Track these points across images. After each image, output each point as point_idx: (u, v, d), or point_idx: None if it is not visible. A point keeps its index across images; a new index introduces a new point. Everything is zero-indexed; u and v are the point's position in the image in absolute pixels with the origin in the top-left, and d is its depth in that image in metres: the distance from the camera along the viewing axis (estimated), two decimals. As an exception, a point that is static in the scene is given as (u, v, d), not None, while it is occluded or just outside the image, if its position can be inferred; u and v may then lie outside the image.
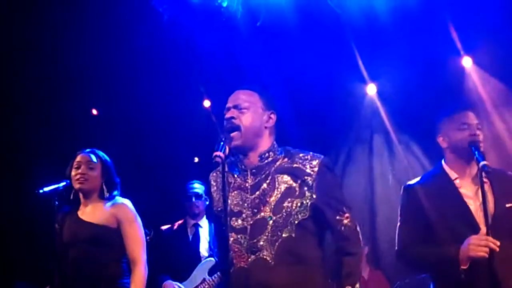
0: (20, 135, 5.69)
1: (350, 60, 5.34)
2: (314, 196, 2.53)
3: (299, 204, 2.52)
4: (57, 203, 3.39)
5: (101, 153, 3.58)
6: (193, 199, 4.83)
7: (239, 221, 2.54)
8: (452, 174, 2.95)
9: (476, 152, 2.82)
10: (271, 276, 2.45)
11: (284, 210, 2.51)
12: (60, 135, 5.62)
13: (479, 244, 2.68)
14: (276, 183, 2.56)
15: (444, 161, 3.02)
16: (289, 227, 2.49)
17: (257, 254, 2.48)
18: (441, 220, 2.87)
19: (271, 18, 4.61)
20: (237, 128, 2.57)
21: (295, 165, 2.58)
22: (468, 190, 2.90)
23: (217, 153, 2.42)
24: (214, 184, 2.72)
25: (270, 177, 2.58)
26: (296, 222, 2.50)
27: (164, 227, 4.95)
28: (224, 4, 4.34)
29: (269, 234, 2.49)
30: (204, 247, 4.79)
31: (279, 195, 2.54)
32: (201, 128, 5.75)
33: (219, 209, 2.64)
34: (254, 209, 2.54)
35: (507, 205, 2.85)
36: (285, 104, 5.16)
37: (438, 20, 4.99)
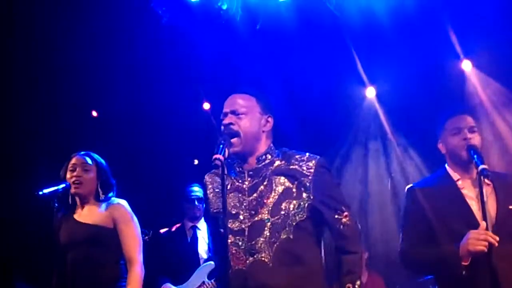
0: (19, 137, 5.69)
1: (349, 63, 5.35)
2: (311, 197, 2.53)
3: (296, 206, 2.52)
4: (56, 205, 3.40)
5: (95, 155, 3.57)
6: (196, 202, 4.85)
7: (237, 223, 2.54)
8: (455, 176, 2.97)
9: (475, 156, 2.83)
10: (269, 277, 2.45)
11: (281, 212, 2.51)
12: (59, 137, 5.62)
13: (478, 238, 2.69)
14: (273, 185, 2.57)
15: (447, 164, 3.04)
16: (287, 229, 2.50)
17: (255, 256, 2.48)
18: (443, 221, 2.88)
19: (270, 21, 4.61)
20: (235, 134, 2.57)
21: (292, 166, 2.59)
22: (470, 191, 2.92)
23: (217, 156, 2.42)
24: (210, 186, 2.72)
25: (267, 179, 2.58)
26: (294, 223, 2.50)
27: (162, 230, 4.95)
28: (224, 7, 4.34)
29: (267, 236, 2.49)
30: (203, 249, 4.81)
31: (276, 197, 2.54)
32: (200, 130, 5.75)
33: (215, 210, 2.64)
34: (251, 211, 2.54)
35: (510, 207, 2.87)
36: (284, 107, 5.18)
37: (437, 23, 5.00)
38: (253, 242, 2.50)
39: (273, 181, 2.57)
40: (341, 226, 2.54)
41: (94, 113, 6.14)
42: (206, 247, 4.77)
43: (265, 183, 2.58)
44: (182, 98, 5.82)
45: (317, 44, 5.20)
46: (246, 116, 2.60)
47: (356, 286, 2.49)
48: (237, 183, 2.62)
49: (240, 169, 2.62)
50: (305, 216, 2.52)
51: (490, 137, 4.97)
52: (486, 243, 2.67)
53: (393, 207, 6.00)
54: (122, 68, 5.39)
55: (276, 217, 2.51)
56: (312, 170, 2.55)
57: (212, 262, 4.61)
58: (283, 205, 2.52)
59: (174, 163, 6.00)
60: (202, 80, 5.64)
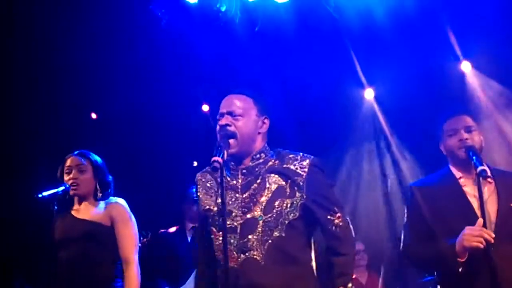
0: (19, 137, 5.69)
1: (348, 64, 5.36)
2: (304, 196, 2.54)
3: (289, 204, 2.53)
4: (56, 207, 3.40)
5: (90, 154, 3.53)
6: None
7: (229, 221, 2.53)
8: (457, 174, 2.98)
9: (474, 158, 2.84)
10: (261, 276, 2.46)
11: (274, 210, 2.52)
12: (59, 137, 5.62)
13: (473, 235, 2.68)
14: (267, 183, 2.57)
15: (450, 163, 3.06)
16: (279, 227, 2.50)
17: (247, 253, 2.48)
18: (445, 218, 2.89)
19: (269, 23, 4.62)
20: (232, 135, 2.58)
21: (285, 165, 2.60)
22: (472, 189, 2.91)
23: (216, 158, 2.44)
24: (201, 184, 2.72)
25: (261, 177, 2.59)
26: (286, 221, 2.51)
27: (161, 231, 4.96)
28: (223, 9, 4.34)
29: (260, 234, 2.50)
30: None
31: (270, 195, 2.55)
32: (200, 132, 5.76)
33: (206, 207, 2.64)
34: (244, 208, 2.55)
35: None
36: (283, 108, 5.19)
37: (436, 24, 5.01)
38: (245, 240, 2.50)
39: (267, 180, 2.58)
40: (333, 227, 2.55)
41: (94, 115, 6.15)
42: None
43: (258, 181, 2.59)
44: (182, 100, 5.83)
45: (315, 45, 5.21)
46: (243, 117, 2.61)
47: None
48: (230, 181, 2.62)
49: (234, 167, 2.63)
50: (297, 215, 2.53)
51: (493, 137, 4.97)
52: (481, 239, 2.67)
53: (390, 207, 6.02)
54: (121, 70, 5.40)
55: (269, 215, 2.51)
56: (305, 170, 2.56)
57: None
58: (276, 203, 2.53)
59: (173, 165, 6.00)
60: (201, 82, 5.65)
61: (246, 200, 2.56)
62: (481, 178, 2.77)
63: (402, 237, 3.06)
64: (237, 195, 2.58)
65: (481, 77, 5.40)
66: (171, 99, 5.76)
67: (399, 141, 5.98)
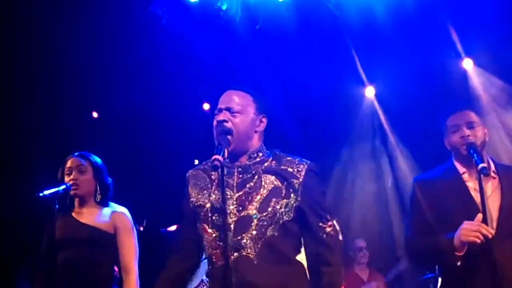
0: (19, 137, 5.69)
1: (348, 62, 5.36)
2: (299, 199, 2.53)
3: (284, 205, 2.52)
4: (57, 206, 3.39)
5: (90, 155, 3.53)
6: None
7: (222, 218, 2.51)
8: (461, 169, 2.97)
9: (475, 155, 2.83)
10: (254, 274, 2.45)
11: (269, 209, 2.50)
12: (59, 137, 5.63)
13: (471, 229, 2.68)
14: (263, 182, 2.56)
15: (453, 157, 3.05)
16: (273, 226, 2.49)
17: (240, 251, 2.47)
18: (447, 212, 2.89)
19: (270, 21, 4.62)
20: (228, 131, 2.55)
21: (282, 167, 2.59)
22: (474, 183, 2.89)
23: (216, 156, 2.42)
24: (193, 180, 2.68)
25: (257, 176, 2.57)
26: (280, 221, 2.50)
27: (162, 229, 4.96)
28: (223, 7, 4.34)
29: (254, 232, 2.48)
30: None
31: (265, 194, 2.53)
32: (200, 131, 5.75)
33: (198, 203, 2.60)
34: (239, 206, 2.53)
35: None
36: (283, 106, 5.19)
37: (437, 22, 5.00)
38: (239, 238, 2.48)
39: (263, 179, 2.56)
40: (324, 235, 2.53)
41: (95, 114, 6.15)
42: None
43: (254, 180, 2.56)
44: (182, 98, 5.83)
45: (316, 43, 5.21)
46: (241, 114, 2.58)
47: None
48: (225, 179, 2.58)
49: (230, 164, 2.60)
50: (292, 217, 2.52)
51: (495, 134, 4.97)
52: (479, 234, 2.66)
53: (392, 204, 6.03)
54: (122, 69, 5.40)
55: (264, 214, 2.50)
56: (302, 173, 2.55)
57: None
58: (271, 203, 2.51)
59: (174, 163, 5.99)
60: (202, 81, 5.64)
61: (241, 198, 2.54)
62: (482, 175, 2.77)
63: (404, 230, 3.08)
64: (232, 193, 2.56)
65: (483, 74, 5.39)
66: (171, 98, 5.76)
67: (399, 139, 5.97)
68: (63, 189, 3.36)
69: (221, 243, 2.49)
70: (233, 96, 2.63)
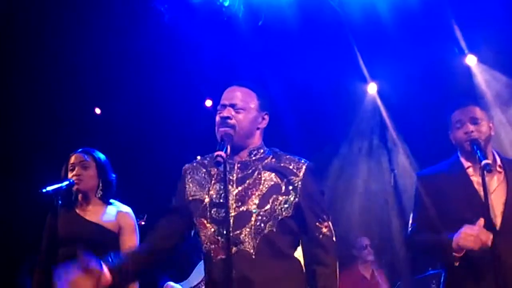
0: (21, 134, 5.70)
1: (351, 59, 5.35)
2: (298, 196, 2.54)
3: (283, 201, 2.52)
4: (60, 202, 3.39)
5: (94, 151, 3.53)
6: None
7: (222, 213, 2.51)
8: (466, 163, 2.98)
9: (478, 151, 2.83)
10: (252, 269, 2.45)
11: (268, 205, 2.51)
12: (62, 134, 5.63)
13: (471, 234, 2.67)
14: (262, 179, 2.56)
15: (459, 152, 3.05)
16: (271, 222, 2.49)
17: (238, 246, 2.47)
18: (451, 206, 2.89)
19: (272, 17, 4.61)
20: (231, 127, 2.56)
21: (282, 164, 2.60)
22: (480, 178, 2.88)
23: (219, 152, 2.43)
24: (190, 174, 2.68)
25: (256, 173, 2.58)
26: (279, 218, 2.50)
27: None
28: (226, 4, 4.34)
29: (252, 227, 2.48)
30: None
31: (264, 190, 2.54)
32: (203, 127, 5.75)
33: (195, 197, 2.60)
34: (238, 201, 2.53)
35: None
36: (285, 102, 5.19)
37: (440, 18, 4.99)
38: (237, 233, 2.48)
39: (262, 176, 2.57)
40: (320, 235, 2.54)
41: (98, 111, 6.15)
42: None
43: (254, 176, 2.57)
44: (185, 95, 5.83)
45: (318, 40, 5.20)
46: (244, 111, 2.59)
47: None
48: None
49: (230, 160, 2.59)
50: (290, 214, 2.53)
51: (500, 130, 4.96)
52: (478, 241, 2.65)
53: (394, 201, 6.02)
54: (125, 65, 5.40)
55: (263, 209, 2.50)
56: (302, 172, 2.56)
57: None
58: (271, 199, 2.52)
59: (176, 159, 5.99)
60: (205, 77, 5.64)
61: (241, 194, 2.55)
62: (485, 171, 2.77)
63: (409, 225, 3.07)
64: (231, 188, 2.56)
65: (486, 70, 5.37)
66: (173, 94, 5.75)
67: (401, 136, 5.96)
68: (66, 185, 3.36)
69: (220, 238, 2.50)
70: (237, 93, 2.63)
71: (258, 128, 2.64)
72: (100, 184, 3.48)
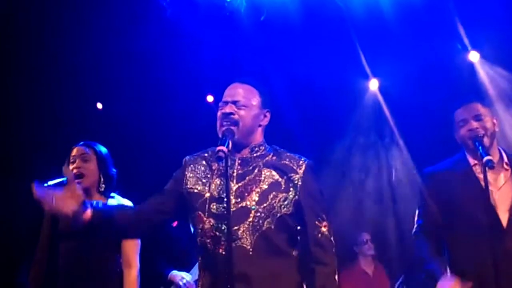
0: (21, 134, 5.69)
1: (352, 55, 5.34)
2: (298, 194, 2.55)
3: (283, 199, 2.54)
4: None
5: (96, 145, 3.51)
6: None
7: (221, 208, 2.52)
8: (472, 161, 2.99)
9: (480, 148, 2.84)
10: (249, 266, 2.45)
11: (268, 202, 2.52)
12: (62, 134, 5.61)
13: None
14: (263, 175, 2.58)
15: (465, 150, 3.06)
16: (270, 219, 2.50)
17: (236, 242, 2.47)
18: (457, 203, 2.92)
19: (274, 12, 4.61)
20: (234, 123, 2.58)
21: (282, 161, 2.61)
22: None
23: (221, 147, 2.44)
24: (191, 166, 2.69)
25: (257, 170, 2.59)
26: (278, 215, 2.51)
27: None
28: (228, -1, 4.34)
29: (250, 224, 2.49)
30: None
31: (264, 187, 2.55)
32: (205, 122, 5.74)
33: (194, 191, 2.61)
34: (237, 197, 2.54)
35: None
36: (287, 99, 5.18)
37: (443, 14, 4.98)
38: (235, 228, 2.48)
39: (263, 172, 2.58)
40: (319, 234, 2.54)
41: (99, 105, 6.14)
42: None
43: (254, 172, 2.58)
44: (186, 90, 5.82)
45: (320, 35, 5.19)
46: (246, 108, 2.61)
47: None
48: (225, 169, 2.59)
49: (231, 156, 2.60)
50: (290, 211, 2.54)
51: (508, 125, 4.96)
52: None
53: (395, 197, 6.02)
54: (126, 60, 5.39)
55: (262, 206, 2.51)
56: (302, 170, 2.58)
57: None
58: (270, 196, 2.53)
59: (177, 155, 5.99)
60: (206, 72, 5.64)
61: (240, 189, 2.56)
62: (487, 168, 2.77)
63: (414, 222, 3.09)
64: (231, 183, 2.56)
65: (489, 66, 5.36)
66: (175, 89, 5.75)
67: (402, 132, 5.96)
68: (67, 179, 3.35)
69: (217, 233, 2.50)
70: (239, 89, 2.65)
71: (259, 125, 2.66)
72: (101, 178, 3.47)
